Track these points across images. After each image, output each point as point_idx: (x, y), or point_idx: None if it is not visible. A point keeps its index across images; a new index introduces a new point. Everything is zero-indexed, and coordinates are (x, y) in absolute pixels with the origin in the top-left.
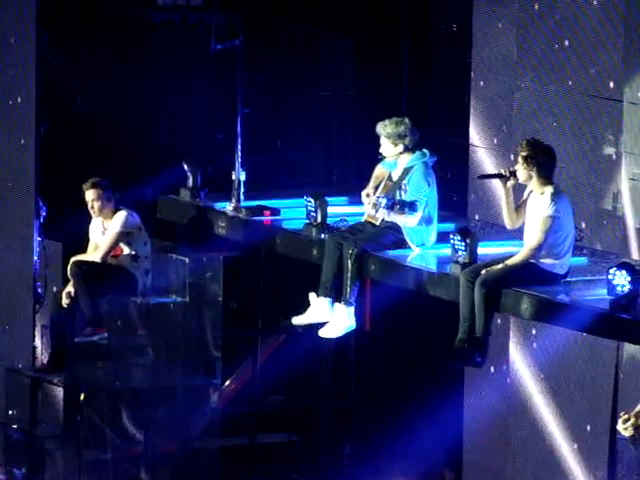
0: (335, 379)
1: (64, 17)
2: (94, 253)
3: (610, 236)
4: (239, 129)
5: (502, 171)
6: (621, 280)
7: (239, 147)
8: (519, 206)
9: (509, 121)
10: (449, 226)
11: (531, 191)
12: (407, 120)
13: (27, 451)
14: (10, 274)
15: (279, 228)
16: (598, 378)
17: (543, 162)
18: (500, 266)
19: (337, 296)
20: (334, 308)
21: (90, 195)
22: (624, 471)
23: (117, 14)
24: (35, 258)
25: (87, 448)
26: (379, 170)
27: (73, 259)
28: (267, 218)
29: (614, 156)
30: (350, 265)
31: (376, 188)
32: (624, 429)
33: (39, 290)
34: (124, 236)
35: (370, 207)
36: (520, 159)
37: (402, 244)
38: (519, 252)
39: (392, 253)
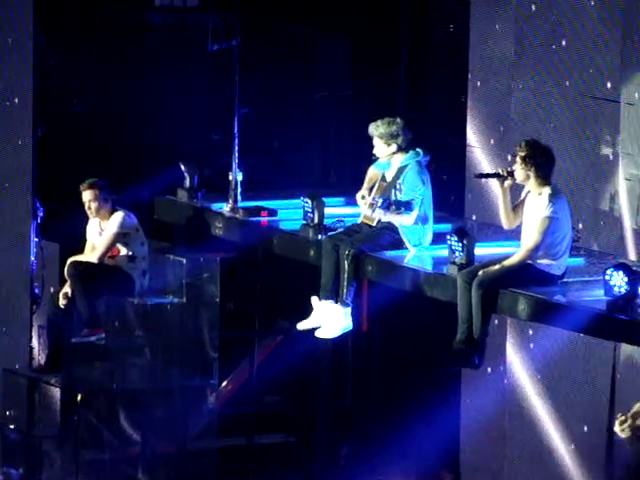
0: (332, 380)
1: (61, 18)
2: (91, 254)
3: (607, 237)
4: (236, 129)
5: (499, 171)
6: (618, 281)
7: (236, 148)
8: (516, 206)
9: (506, 121)
10: (446, 227)
11: (529, 191)
12: (399, 120)
13: (24, 452)
14: (7, 275)
15: (276, 229)
16: (595, 379)
17: (541, 162)
18: (497, 267)
19: (337, 297)
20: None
21: (87, 196)
22: (621, 472)
23: (114, 15)
24: (32, 259)
25: (84, 449)
26: (372, 171)
27: (70, 260)
28: (264, 219)
29: (611, 157)
30: (347, 266)
31: (370, 190)
32: (621, 430)
33: (36, 291)
34: (121, 237)
35: (366, 208)
36: (518, 159)
37: (399, 244)
38: (516, 253)
39: (389, 254)
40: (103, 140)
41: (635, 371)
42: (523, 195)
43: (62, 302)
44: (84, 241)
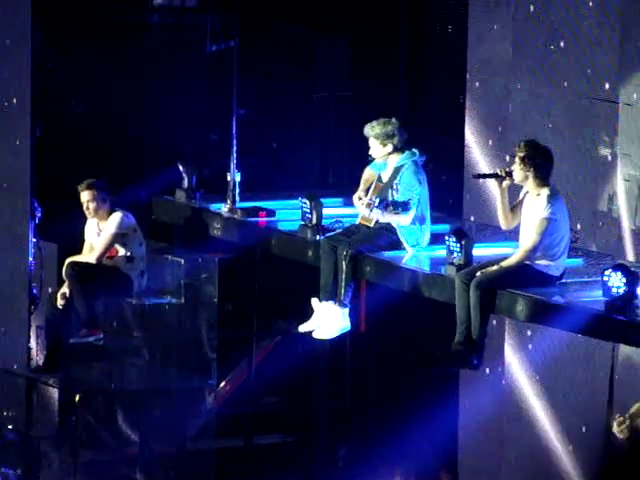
0: (330, 380)
1: (59, 18)
2: (89, 254)
3: (605, 238)
4: (234, 130)
5: (498, 171)
6: (616, 282)
7: (234, 148)
8: (514, 207)
9: (504, 122)
10: (444, 227)
11: (527, 192)
12: (394, 120)
13: (22, 452)
14: (5, 275)
15: (274, 229)
16: (593, 380)
17: (540, 163)
18: (495, 268)
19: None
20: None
21: (85, 196)
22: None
23: (112, 15)
24: (30, 259)
25: (82, 449)
26: (368, 173)
27: (68, 260)
28: (262, 219)
29: (609, 157)
30: (344, 266)
31: (367, 191)
32: (619, 431)
33: (34, 291)
34: (119, 237)
35: (364, 208)
36: (517, 159)
37: (397, 245)
38: (514, 254)
39: (387, 254)
40: (101, 140)
41: (633, 372)
42: (521, 196)
43: (60, 302)
44: (82, 241)
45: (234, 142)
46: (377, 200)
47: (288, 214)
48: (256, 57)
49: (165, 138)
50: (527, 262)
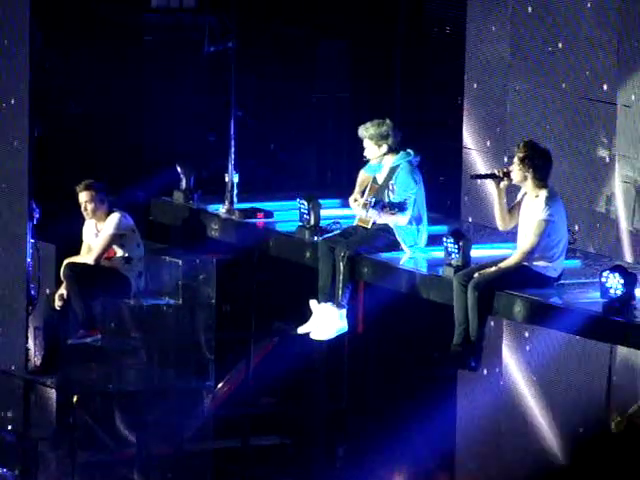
0: (328, 381)
1: (58, 19)
2: (87, 255)
3: (603, 239)
4: (232, 131)
5: (495, 171)
6: (614, 283)
7: (232, 149)
8: (512, 208)
9: (503, 123)
10: (442, 228)
11: (525, 193)
12: (388, 121)
13: (20, 453)
14: (3, 275)
15: (272, 230)
16: (591, 381)
17: (539, 164)
18: (493, 269)
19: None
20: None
21: (83, 197)
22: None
23: (110, 16)
24: (28, 260)
25: (80, 450)
26: (363, 175)
27: (66, 261)
28: (260, 220)
29: (607, 159)
30: (342, 267)
31: (362, 193)
32: (617, 430)
33: (32, 292)
34: (117, 238)
35: (360, 209)
36: (516, 160)
37: (394, 246)
38: (512, 255)
39: (385, 256)
40: (100, 141)
41: (631, 373)
42: (519, 197)
43: (58, 303)
44: (80, 242)
45: (232, 143)
46: (373, 200)
47: (286, 215)
48: (254, 58)
49: (163, 139)
50: (525, 263)
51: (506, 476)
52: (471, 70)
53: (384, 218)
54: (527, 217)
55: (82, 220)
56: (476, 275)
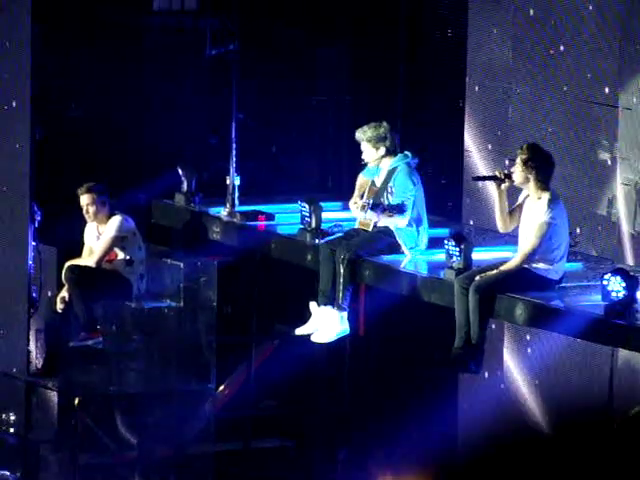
0: (330, 384)
1: (59, 21)
2: (89, 258)
3: (605, 242)
4: (234, 134)
5: (497, 173)
6: (616, 286)
7: (234, 152)
8: (513, 210)
9: (504, 126)
10: (444, 231)
11: (527, 196)
12: (386, 123)
13: (21, 455)
14: (5, 278)
15: (273, 233)
16: (593, 384)
17: (542, 167)
18: (494, 272)
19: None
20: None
21: (85, 200)
22: None
23: (112, 18)
24: (30, 262)
25: (82, 453)
26: (361, 179)
27: (68, 264)
28: (261, 223)
29: (609, 161)
30: (342, 270)
31: (361, 197)
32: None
33: (34, 294)
34: (119, 241)
35: (359, 211)
36: (519, 161)
37: (395, 248)
38: (513, 258)
39: (386, 258)
40: (101, 144)
41: (633, 376)
42: (521, 199)
43: (59, 306)
44: (82, 245)
45: (233, 146)
46: (371, 201)
47: (287, 218)
48: (255, 61)
49: (165, 142)
50: (526, 266)
51: (507, 478)
52: (472, 73)
53: (383, 220)
54: (529, 219)
55: (83, 223)
56: (477, 278)
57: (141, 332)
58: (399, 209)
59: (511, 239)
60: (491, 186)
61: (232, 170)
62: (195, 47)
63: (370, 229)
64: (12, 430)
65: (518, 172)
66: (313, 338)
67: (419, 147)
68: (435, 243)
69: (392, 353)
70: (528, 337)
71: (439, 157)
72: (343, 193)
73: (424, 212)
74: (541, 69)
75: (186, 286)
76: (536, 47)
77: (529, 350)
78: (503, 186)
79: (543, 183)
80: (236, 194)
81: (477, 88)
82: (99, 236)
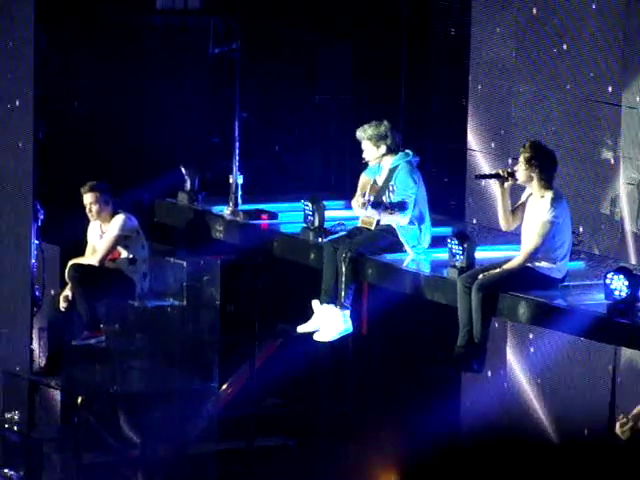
0: (332, 383)
1: (62, 21)
2: (92, 256)
3: (608, 240)
4: (237, 133)
5: (500, 171)
6: (619, 284)
7: (237, 151)
8: (516, 208)
9: (507, 125)
10: (447, 230)
11: (530, 194)
12: (386, 122)
13: (24, 454)
14: (8, 277)
15: (276, 232)
16: (596, 383)
17: (545, 165)
18: (497, 270)
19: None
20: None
21: (88, 198)
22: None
23: (115, 17)
24: (33, 261)
25: (84, 451)
26: (364, 179)
27: (71, 262)
28: (265, 222)
29: (612, 160)
30: (344, 268)
31: (363, 196)
32: (622, 432)
33: (37, 293)
34: (122, 239)
35: (360, 209)
36: (522, 160)
37: (397, 246)
38: (516, 256)
39: (389, 257)
40: (104, 143)
41: (635, 375)
42: (524, 198)
43: (63, 305)
44: (85, 244)
45: (236, 145)
46: (371, 198)
47: (290, 217)
48: (258, 60)
49: (168, 140)
50: (529, 265)
51: (511, 477)
52: (475, 72)
53: (385, 218)
54: (532, 218)
55: (87, 221)
56: (480, 276)
57: (144, 331)
58: (400, 206)
59: (514, 238)
60: (494, 184)
61: (235, 169)
62: (198, 46)
63: (373, 227)
64: (15, 428)
65: (521, 170)
66: (315, 337)
67: (422, 146)
68: (438, 242)
69: (395, 352)
70: (531, 336)
71: (442, 156)
72: (346, 192)
73: (426, 210)
74: (544, 68)
75: (189, 285)
76: (539, 46)
77: (532, 349)
78: (506, 184)
79: (546, 182)
80: (239, 193)
81: (480, 87)
82: (102, 235)
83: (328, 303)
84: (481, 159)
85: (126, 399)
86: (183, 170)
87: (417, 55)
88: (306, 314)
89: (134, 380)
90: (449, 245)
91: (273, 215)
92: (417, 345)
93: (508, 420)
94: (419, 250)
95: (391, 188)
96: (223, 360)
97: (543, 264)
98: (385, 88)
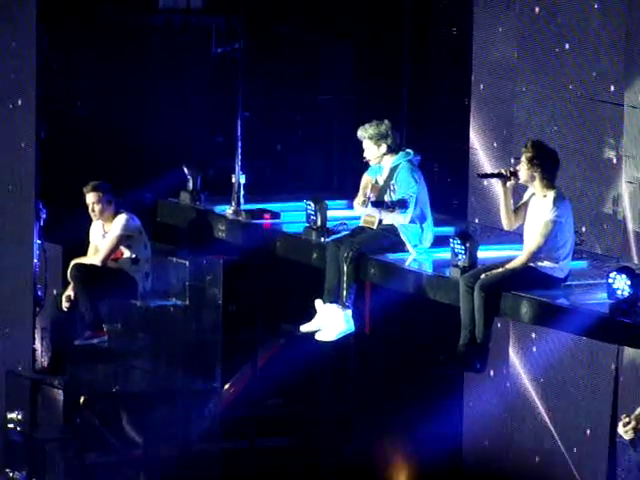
0: (335, 382)
1: (64, 21)
2: (94, 256)
3: (610, 240)
4: (239, 132)
5: (502, 171)
6: (621, 284)
7: (239, 150)
8: (518, 208)
9: (509, 124)
10: (449, 230)
11: (533, 194)
12: (387, 121)
13: (27, 454)
14: (10, 277)
15: (279, 231)
16: (598, 382)
17: (547, 165)
18: (500, 270)
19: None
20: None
21: (91, 198)
22: (624, 475)
23: (117, 17)
24: (35, 261)
25: (87, 451)
26: (366, 178)
27: (73, 262)
28: (267, 221)
29: (614, 160)
30: (346, 268)
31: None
32: (625, 432)
33: (39, 293)
34: (124, 239)
35: (361, 207)
36: (524, 159)
37: (399, 246)
38: (519, 256)
39: (391, 257)
40: (106, 142)
41: (638, 374)
42: (526, 197)
43: (65, 304)
44: (87, 243)
45: (239, 144)
46: (372, 196)
47: (293, 216)
48: (260, 60)
49: (170, 140)
50: (532, 264)
51: (513, 477)
52: (478, 71)
53: (386, 217)
54: (534, 217)
55: (89, 221)
56: (483, 276)
57: (146, 331)
58: (401, 205)
59: (516, 237)
60: (497, 184)
61: (237, 168)
62: (200, 46)
63: (375, 227)
64: (18, 428)
65: (523, 170)
66: (317, 336)
67: (423, 145)
68: (440, 241)
69: (397, 351)
70: (533, 335)
71: (444, 155)
72: (348, 191)
73: (428, 209)
74: (546, 67)
75: (192, 285)
76: (541, 45)
77: (534, 348)
78: (509, 184)
79: (549, 181)
80: (241, 192)
81: (482, 86)
82: (105, 234)
83: (331, 302)
84: (484, 158)
85: (128, 399)
86: (185, 170)
87: (418, 55)
88: (309, 314)
89: (136, 380)
90: (451, 244)
91: (275, 215)
92: (419, 345)
93: (510, 419)
94: (421, 249)
95: (392, 187)
96: (225, 360)
97: (545, 264)
98: (386, 88)
